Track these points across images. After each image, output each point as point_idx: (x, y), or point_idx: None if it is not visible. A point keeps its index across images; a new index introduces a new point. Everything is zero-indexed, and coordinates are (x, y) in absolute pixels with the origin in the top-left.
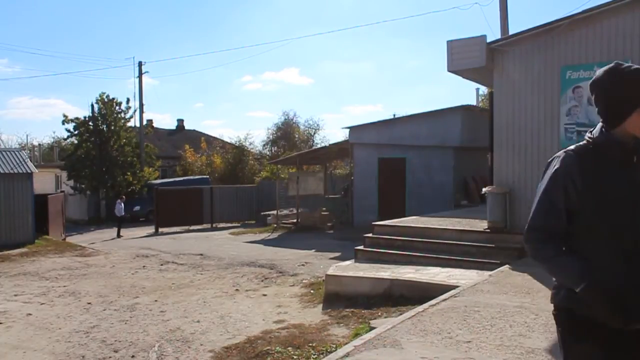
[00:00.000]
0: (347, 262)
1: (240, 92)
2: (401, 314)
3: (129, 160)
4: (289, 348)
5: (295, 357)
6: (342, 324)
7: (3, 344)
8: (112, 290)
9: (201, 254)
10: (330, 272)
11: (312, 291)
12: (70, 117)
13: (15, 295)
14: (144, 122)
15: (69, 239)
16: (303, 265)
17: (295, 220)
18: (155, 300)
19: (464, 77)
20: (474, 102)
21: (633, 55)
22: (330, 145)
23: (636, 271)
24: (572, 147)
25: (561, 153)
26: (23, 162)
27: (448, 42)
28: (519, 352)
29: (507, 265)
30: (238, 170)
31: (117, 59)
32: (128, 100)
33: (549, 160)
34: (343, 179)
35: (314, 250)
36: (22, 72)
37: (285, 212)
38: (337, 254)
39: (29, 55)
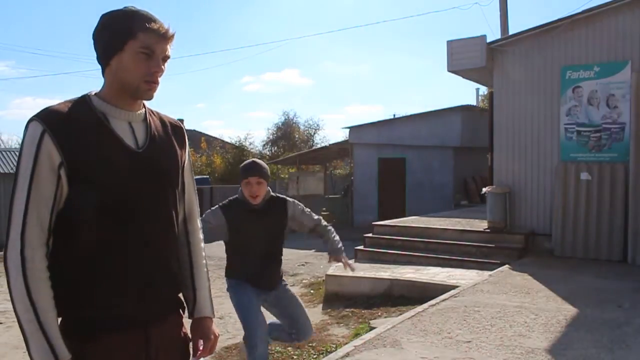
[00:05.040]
0: None
1: (241, 93)
2: (401, 314)
3: None
4: (289, 348)
5: (295, 357)
6: (342, 324)
7: (3, 344)
8: None
9: None
10: (330, 272)
11: (312, 291)
12: None
13: None
14: None
15: None
16: (303, 265)
17: None
18: None
19: (464, 77)
20: (474, 102)
21: (633, 55)
22: (330, 145)
23: None
24: None
25: None
26: None
27: (448, 42)
28: (519, 352)
29: (507, 265)
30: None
31: None
32: None
33: None
34: (343, 179)
35: (314, 250)
36: (28, 72)
37: None
38: None
39: (32, 56)
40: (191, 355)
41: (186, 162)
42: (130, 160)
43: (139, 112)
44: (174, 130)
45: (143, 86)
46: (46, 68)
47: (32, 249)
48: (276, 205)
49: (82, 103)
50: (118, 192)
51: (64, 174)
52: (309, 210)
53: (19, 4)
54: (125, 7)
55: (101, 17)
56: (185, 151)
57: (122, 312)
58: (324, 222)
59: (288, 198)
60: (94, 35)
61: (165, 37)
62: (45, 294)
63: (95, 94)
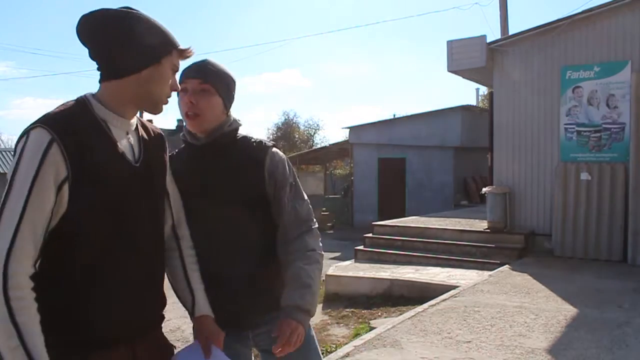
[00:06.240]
0: (347, 262)
1: (240, 94)
2: (401, 314)
3: None
4: None
5: None
6: (342, 324)
7: None
8: None
9: None
10: (330, 272)
11: None
12: None
13: None
14: None
15: None
16: None
17: None
18: None
19: (464, 77)
20: (474, 102)
21: (633, 55)
22: (330, 145)
23: None
24: None
25: None
26: None
27: (448, 42)
28: (519, 352)
29: (507, 265)
30: None
31: None
32: None
33: None
34: (343, 179)
35: None
36: (28, 73)
37: None
38: (337, 254)
39: (32, 56)
40: (204, 356)
41: (168, 169)
42: (129, 175)
43: (132, 121)
44: (159, 140)
45: (165, 101)
46: (46, 68)
47: (19, 266)
48: (245, 148)
49: (83, 108)
50: (115, 209)
51: (67, 188)
52: (303, 195)
53: (19, 4)
54: (128, 8)
55: (130, 19)
56: (167, 160)
57: (111, 329)
58: (314, 237)
59: (274, 147)
60: (120, 36)
61: (186, 58)
62: (32, 316)
63: (93, 96)
